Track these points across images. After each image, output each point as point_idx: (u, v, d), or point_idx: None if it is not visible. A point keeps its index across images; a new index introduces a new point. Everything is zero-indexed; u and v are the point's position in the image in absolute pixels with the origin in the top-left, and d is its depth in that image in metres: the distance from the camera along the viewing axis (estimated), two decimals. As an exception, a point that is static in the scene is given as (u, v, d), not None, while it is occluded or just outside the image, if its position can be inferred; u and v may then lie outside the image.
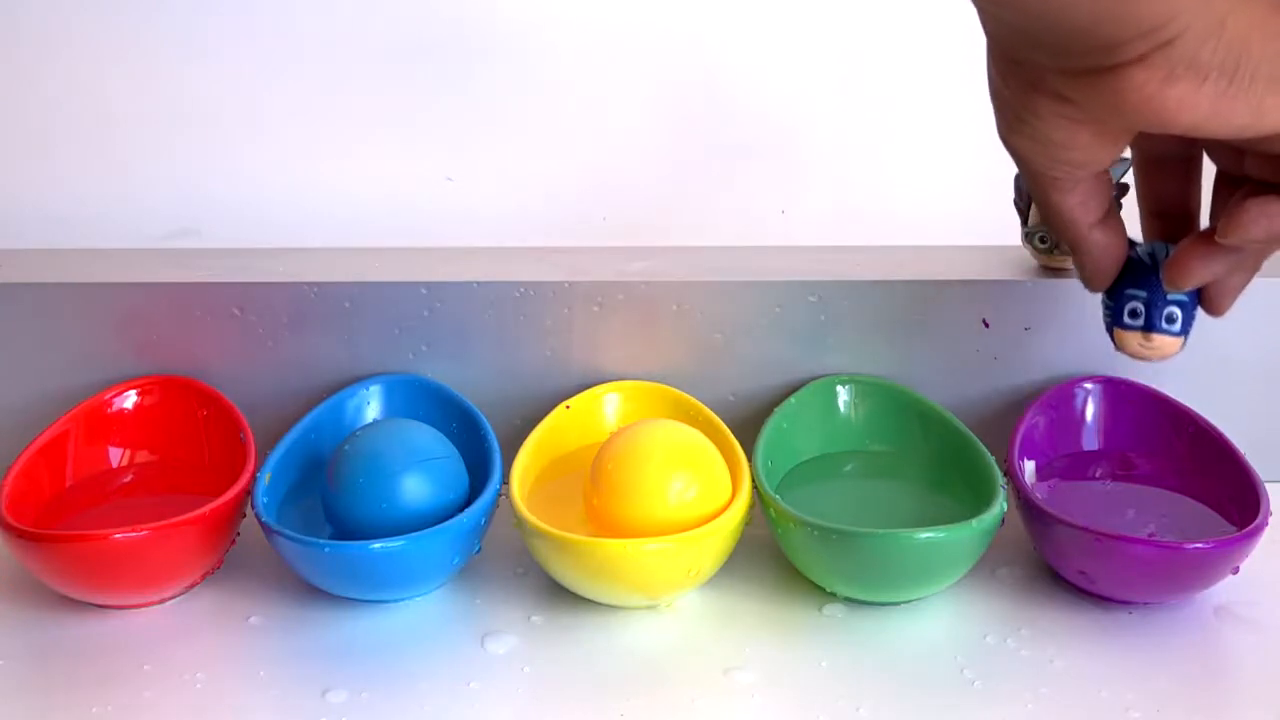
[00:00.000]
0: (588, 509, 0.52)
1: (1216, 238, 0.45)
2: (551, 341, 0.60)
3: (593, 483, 0.51)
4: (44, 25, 0.72)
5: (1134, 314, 0.49)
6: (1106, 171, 0.45)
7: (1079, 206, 0.45)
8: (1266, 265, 0.61)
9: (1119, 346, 0.50)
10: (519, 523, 0.50)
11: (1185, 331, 0.49)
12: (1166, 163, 0.48)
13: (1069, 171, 0.43)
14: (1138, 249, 0.49)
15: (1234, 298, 0.49)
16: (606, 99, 0.75)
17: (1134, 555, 0.48)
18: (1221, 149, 0.46)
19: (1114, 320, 0.50)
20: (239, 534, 0.53)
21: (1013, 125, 0.42)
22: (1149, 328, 0.49)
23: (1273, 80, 0.39)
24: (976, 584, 0.53)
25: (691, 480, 0.50)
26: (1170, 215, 0.49)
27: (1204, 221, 0.49)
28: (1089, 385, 0.59)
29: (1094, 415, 0.59)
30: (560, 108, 0.75)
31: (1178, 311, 0.49)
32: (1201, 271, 0.46)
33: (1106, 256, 0.47)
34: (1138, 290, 0.49)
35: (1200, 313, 0.50)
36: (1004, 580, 0.53)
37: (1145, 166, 0.49)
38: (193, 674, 0.48)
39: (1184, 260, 0.46)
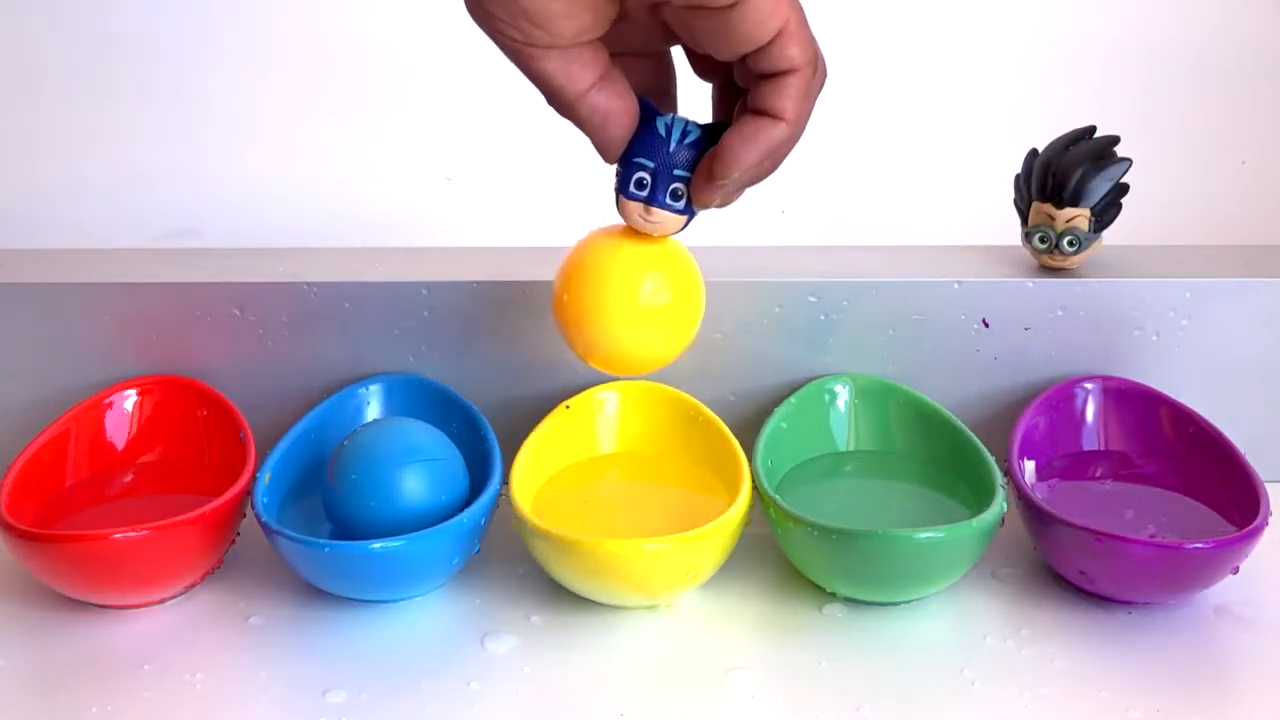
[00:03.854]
0: (568, 335, 0.49)
1: (715, 177, 0.44)
2: (551, 341, 0.60)
3: (560, 295, 0.49)
4: (44, 26, 0.72)
5: (640, 184, 0.46)
6: (596, 42, 0.43)
7: (561, 74, 0.42)
8: (1266, 267, 0.61)
9: (622, 214, 0.47)
10: (519, 523, 0.50)
11: (689, 212, 0.47)
12: (642, 60, 0.46)
13: (541, 35, 0.41)
14: (658, 120, 0.46)
15: (738, 196, 0.47)
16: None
17: (1134, 555, 0.48)
18: (708, 64, 0.45)
19: (621, 187, 0.47)
20: (239, 534, 0.53)
21: None
22: (651, 201, 0.46)
23: None
24: (976, 584, 0.53)
25: (662, 283, 0.48)
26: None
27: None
28: (1089, 385, 0.59)
29: (1094, 415, 0.59)
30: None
31: (684, 189, 0.46)
32: (716, 198, 0.45)
33: (609, 123, 0.44)
34: (646, 160, 0.46)
35: None
36: (1004, 580, 0.53)
37: (624, 64, 0.46)
38: (193, 674, 0.48)
39: (700, 195, 0.45)
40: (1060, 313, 0.59)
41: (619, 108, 0.44)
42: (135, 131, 0.74)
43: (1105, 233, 0.59)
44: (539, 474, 0.56)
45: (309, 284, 0.59)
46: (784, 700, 0.47)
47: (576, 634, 0.50)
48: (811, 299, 0.59)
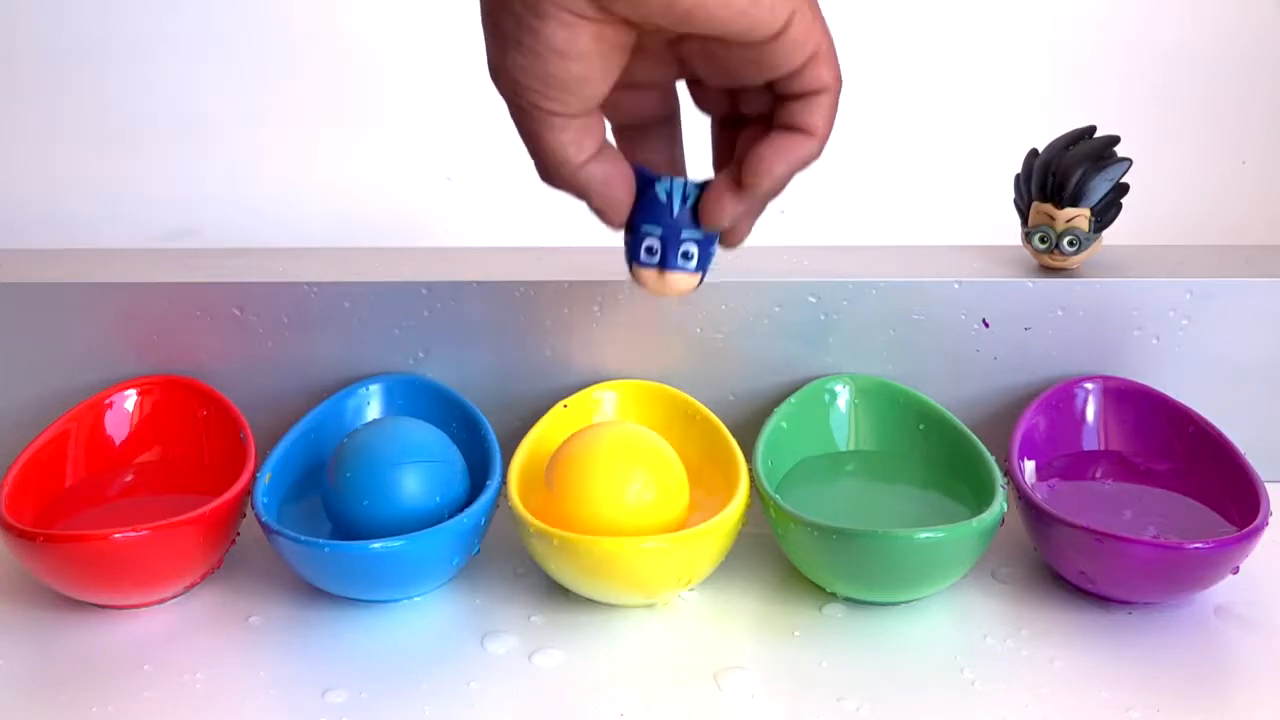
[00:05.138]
0: (544, 514, 0.51)
1: (748, 190, 0.45)
2: (551, 341, 0.60)
3: (547, 488, 0.52)
4: (45, 27, 0.72)
5: (650, 251, 0.48)
6: (599, 111, 0.44)
7: (572, 145, 0.43)
8: (1266, 267, 0.61)
9: (637, 282, 0.49)
10: (517, 521, 0.50)
11: (703, 268, 0.48)
12: (648, 130, 0.48)
13: (564, 100, 0.41)
14: (657, 186, 0.47)
15: (750, 228, 0.48)
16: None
17: (1134, 555, 0.48)
18: (713, 96, 0.46)
19: (631, 256, 0.48)
20: (239, 534, 0.53)
21: (510, 43, 0.40)
22: (664, 265, 0.48)
23: None
24: (976, 584, 0.53)
25: (649, 481, 0.50)
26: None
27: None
28: (1089, 385, 0.59)
29: (1094, 415, 0.59)
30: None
31: (694, 248, 0.48)
32: (730, 213, 0.46)
33: (611, 187, 0.45)
34: (653, 227, 0.47)
35: None
36: (1004, 580, 0.53)
37: (626, 136, 0.48)
38: (193, 674, 0.48)
39: (715, 208, 0.46)
40: (1060, 313, 0.59)
41: (618, 170, 0.45)
42: (136, 132, 0.74)
43: (1105, 233, 0.59)
44: (536, 473, 0.56)
45: (309, 284, 0.59)
46: (784, 700, 0.47)
47: (576, 634, 0.50)
48: (811, 299, 0.59)
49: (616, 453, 0.51)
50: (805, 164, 0.44)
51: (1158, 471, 0.57)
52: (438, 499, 0.51)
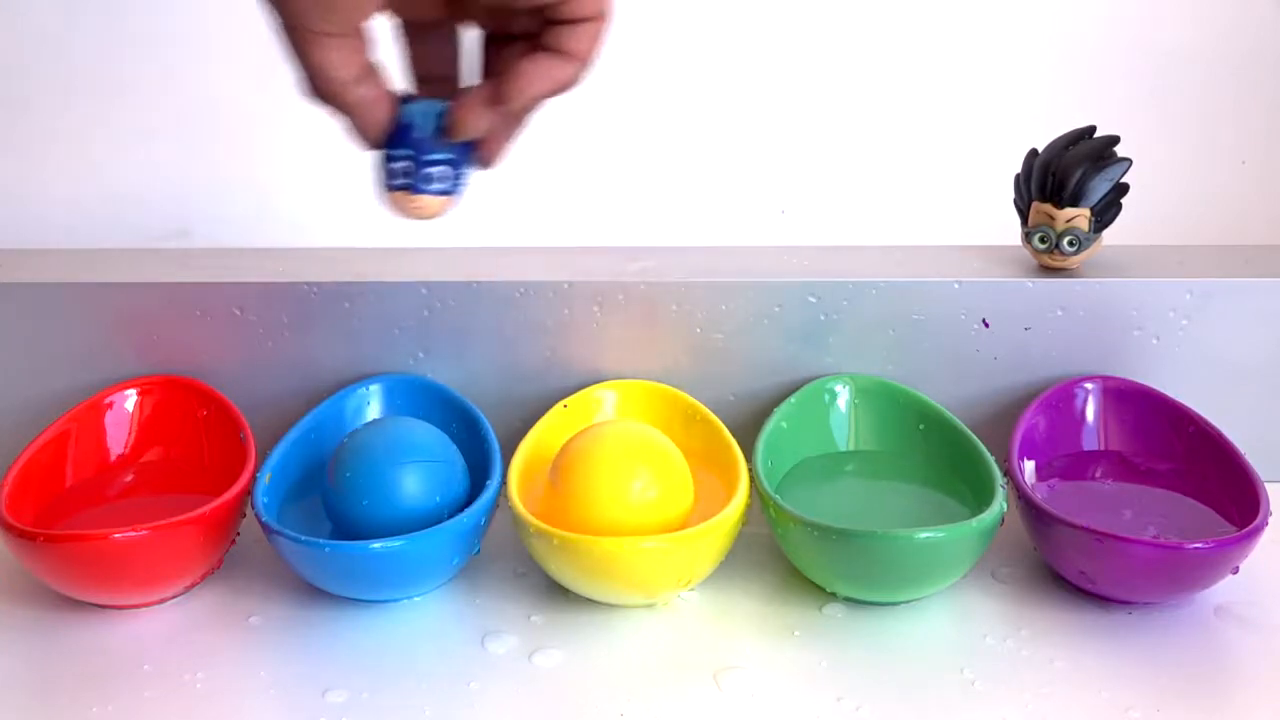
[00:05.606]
0: (547, 511, 0.51)
1: (505, 102, 0.45)
2: (551, 341, 0.60)
3: (551, 485, 0.52)
4: (44, 27, 0.72)
5: (403, 174, 0.48)
6: (364, 31, 0.44)
7: (341, 64, 0.44)
8: (1266, 267, 0.61)
9: (387, 206, 0.49)
10: (517, 521, 0.50)
11: (451, 191, 0.48)
12: (428, 31, 0.48)
13: (333, 20, 0.42)
14: (407, 110, 0.47)
15: (506, 150, 0.48)
16: (606, 99, 0.75)
17: (1134, 555, 0.48)
18: (482, 14, 0.47)
19: (382, 180, 0.48)
20: (239, 534, 0.53)
21: None
22: (413, 189, 0.48)
23: None
24: (976, 584, 0.53)
25: (653, 479, 0.50)
26: (434, 80, 0.49)
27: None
28: (1089, 385, 0.59)
29: (1094, 415, 0.59)
30: (560, 107, 0.75)
31: (440, 171, 0.48)
32: (479, 123, 0.46)
33: (374, 110, 0.46)
34: (402, 150, 0.47)
35: None
36: (1004, 580, 0.53)
37: (409, 34, 0.49)
38: (193, 674, 0.48)
39: (464, 115, 0.46)
40: (1060, 313, 0.59)
41: (381, 92, 0.46)
42: (135, 131, 0.74)
43: (1105, 233, 0.59)
44: (536, 473, 0.56)
45: (309, 284, 0.59)
46: (784, 700, 0.47)
47: (576, 634, 0.50)
48: (811, 299, 0.59)
49: (621, 450, 0.51)
50: (564, 87, 0.45)
51: (1158, 471, 0.57)
52: (438, 499, 0.51)
